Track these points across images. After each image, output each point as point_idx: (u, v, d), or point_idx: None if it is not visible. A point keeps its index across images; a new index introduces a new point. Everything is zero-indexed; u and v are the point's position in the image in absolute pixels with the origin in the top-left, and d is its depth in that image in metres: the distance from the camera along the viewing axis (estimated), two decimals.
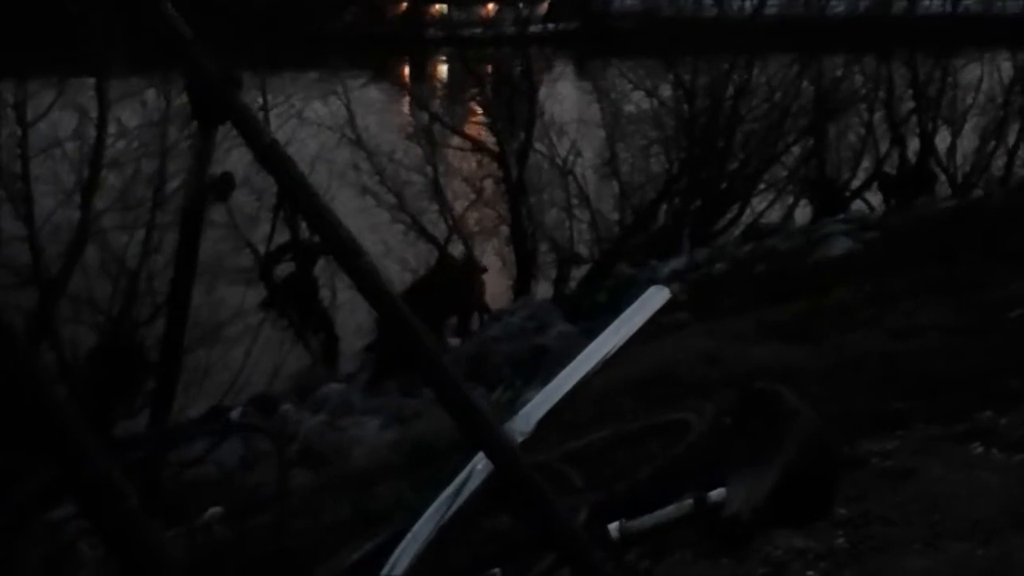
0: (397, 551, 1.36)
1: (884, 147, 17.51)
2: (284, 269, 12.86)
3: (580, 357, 1.59)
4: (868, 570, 2.70)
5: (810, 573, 2.71)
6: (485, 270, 13.98)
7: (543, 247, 15.02)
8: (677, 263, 12.72)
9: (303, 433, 6.54)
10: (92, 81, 11.09)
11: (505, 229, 14.98)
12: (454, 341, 11.18)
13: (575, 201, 15.41)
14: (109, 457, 0.74)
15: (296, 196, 1.21)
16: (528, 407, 1.50)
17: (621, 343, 1.62)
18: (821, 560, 2.76)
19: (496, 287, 14.48)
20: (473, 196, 15.32)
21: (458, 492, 1.40)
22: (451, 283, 13.08)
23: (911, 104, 17.77)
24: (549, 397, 1.54)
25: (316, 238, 1.15)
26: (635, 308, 1.69)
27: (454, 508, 1.39)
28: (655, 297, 1.73)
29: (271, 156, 1.20)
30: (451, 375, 1.14)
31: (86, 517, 0.74)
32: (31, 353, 0.75)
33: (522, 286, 14.44)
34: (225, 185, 1.36)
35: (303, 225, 12.44)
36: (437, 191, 14.65)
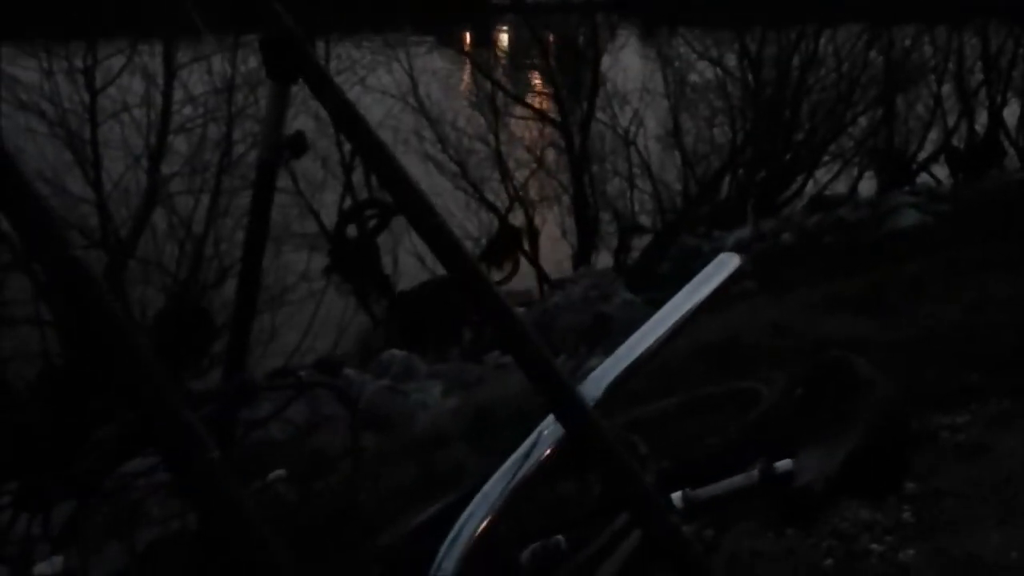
0: (465, 513, 1.35)
1: (953, 120, 17.18)
2: (352, 231, 12.92)
3: (650, 323, 1.57)
4: (937, 546, 2.66)
5: (876, 547, 2.68)
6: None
7: (605, 217, 14.97)
8: (741, 233, 12.61)
9: (366, 397, 6.57)
10: (160, 47, 11.20)
11: (566, 198, 14.94)
12: (518, 309, 11.17)
13: (637, 171, 15.31)
14: (191, 408, 0.73)
15: (369, 155, 1.20)
16: (597, 372, 1.49)
17: (691, 309, 1.60)
18: (888, 534, 2.72)
19: (557, 256, 14.47)
20: (535, 165, 15.30)
21: (527, 455, 1.39)
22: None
23: (981, 76, 17.39)
24: (618, 363, 1.52)
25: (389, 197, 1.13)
26: (705, 274, 1.66)
27: (524, 471, 1.38)
28: (726, 264, 1.70)
29: (345, 115, 1.19)
30: (527, 334, 1.12)
31: (167, 468, 0.74)
32: (114, 304, 0.75)
33: (583, 256, 14.41)
34: (299, 143, 1.36)
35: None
36: (499, 159, 14.64)
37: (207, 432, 0.72)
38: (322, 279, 12.04)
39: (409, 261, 12.63)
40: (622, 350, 1.53)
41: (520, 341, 1.11)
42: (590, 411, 1.13)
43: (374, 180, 11.25)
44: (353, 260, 12.54)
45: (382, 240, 12.77)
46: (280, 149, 1.34)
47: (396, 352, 8.86)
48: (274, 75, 1.29)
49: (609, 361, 1.50)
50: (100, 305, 0.74)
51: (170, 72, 11.16)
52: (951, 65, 17.03)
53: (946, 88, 17.13)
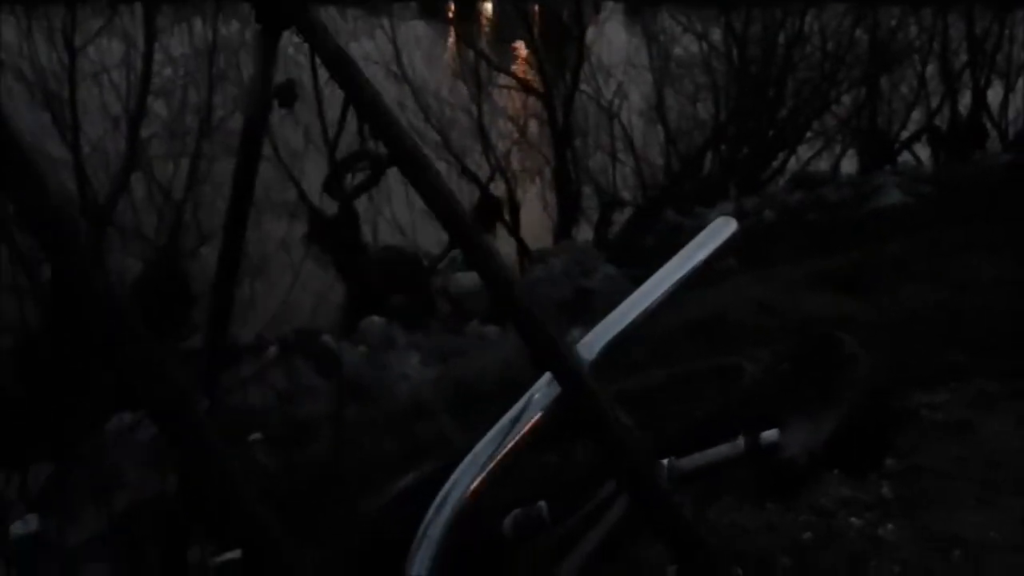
0: (453, 477, 1.33)
1: (936, 101, 17.21)
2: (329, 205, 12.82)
3: (645, 287, 1.55)
4: (916, 523, 2.66)
5: (856, 521, 2.68)
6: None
7: (586, 191, 14.93)
8: (723, 210, 12.60)
9: (344, 366, 6.53)
10: (140, 8, 11.07)
11: (548, 171, 14.89)
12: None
13: (620, 145, 15.27)
14: (178, 367, 0.71)
15: (363, 105, 1.17)
16: (590, 336, 1.46)
17: (687, 274, 1.57)
18: (868, 510, 2.72)
19: (537, 229, 14.44)
20: (517, 136, 15.23)
21: (517, 419, 1.37)
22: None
23: (965, 58, 17.42)
24: (612, 327, 1.49)
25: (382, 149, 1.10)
26: (702, 239, 1.64)
27: (514, 436, 1.35)
28: (722, 228, 1.68)
29: (338, 63, 1.16)
30: (521, 293, 1.10)
31: (156, 424, 0.71)
32: (97, 262, 0.72)
33: (564, 229, 14.38)
34: (289, 92, 1.32)
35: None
36: (481, 131, 14.57)
37: (194, 390, 0.70)
38: (301, 248, 11.98)
39: (387, 230, 12.60)
40: (616, 314, 1.51)
41: (514, 301, 1.09)
42: (585, 372, 1.10)
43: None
44: (332, 229, 12.46)
45: (362, 209, 12.69)
46: (268, 101, 1.31)
47: (375, 319, 8.80)
48: (264, 22, 1.25)
49: (602, 325, 1.48)
50: (84, 260, 0.71)
51: (150, 33, 11.02)
52: (936, 46, 17.04)
53: (930, 69, 17.15)
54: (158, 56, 11.16)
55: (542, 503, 1.66)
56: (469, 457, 1.35)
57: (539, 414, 1.35)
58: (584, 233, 14.33)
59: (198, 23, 11.31)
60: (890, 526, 2.60)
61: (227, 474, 0.67)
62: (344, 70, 1.15)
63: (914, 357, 3.89)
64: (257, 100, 1.33)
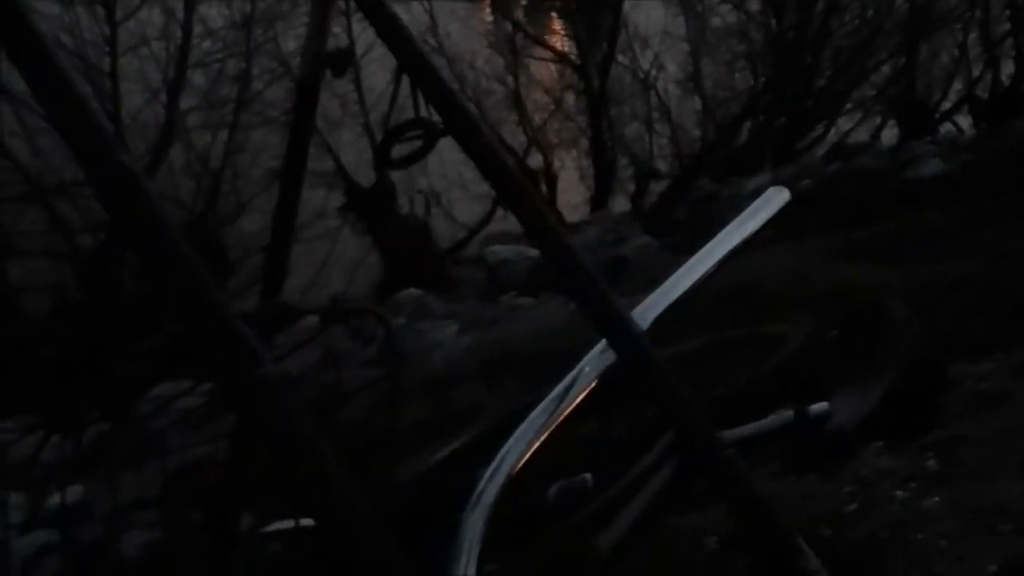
0: (508, 443, 1.34)
1: (978, 69, 16.94)
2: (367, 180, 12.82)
3: (698, 256, 1.54)
4: (960, 494, 2.65)
5: (899, 493, 2.66)
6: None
7: (622, 161, 14.88)
8: (761, 180, 12.50)
9: (382, 333, 6.56)
10: None
11: (584, 142, 14.84)
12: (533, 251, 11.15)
13: (656, 115, 15.20)
14: (245, 320, 0.71)
15: (416, 72, 1.17)
16: (643, 306, 1.46)
17: (740, 243, 1.57)
18: (910, 481, 2.71)
19: (574, 200, 14.42)
20: (553, 107, 15.18)
21: (570, 388, 1.37)
22: None
23: (1008, 26, 17.12)
24: (666, 296, 1.49)
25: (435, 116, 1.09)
26: (754, 208, 1.63)
27: (566, 404, 1.36)
28: (775, 198, 1.67)
29: (392, 29, 1.16)
30: (578, 259, 1.10)
31: (219, 380, 0.71)
32: (160, 208, 0.73)
33: (600, 199, 14.35)
34: (342, 59, 1.32)
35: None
36: (517, 101, 14.53)
37: (262, 344, 0.70)
38: (338, 218, 12.01)
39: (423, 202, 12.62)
40: (669, 283, 1.50)
41: (571, 266, 1.09)
42: (643, 338, 1.11)
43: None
44: (369, 200, 12.48)
45: (398, 179, 12.71)
46: (321, 67, 1.32)
47: (412, 291, 8.85)
48: None
49: (655, 294, 1.48)
50: (151, 211, 0.72)
51: (189, 5, 11.08)
52: (977, 13, 16.74)
53: (972, 37, 16.86)
54: (197, 28, 11.22)
55: (587, 474, 1.66)
56: (523, 425, 1.35)
57: (592, 383, 1.35)
58: (620, 204, 14.29)
59: None
60: (935, 498, 2.59)
61: (301, 432, 0.67)
62: (398, 39, 1.15)
63: (952, 327, 3.85)
64: (310, 66, 1.33)
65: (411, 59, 1.15)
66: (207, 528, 1.73)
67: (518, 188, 1.10)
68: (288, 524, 1.65)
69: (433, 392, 4.64)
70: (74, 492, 3.24)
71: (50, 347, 8.61)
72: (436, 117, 1.20)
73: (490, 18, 16.15)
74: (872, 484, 2.69)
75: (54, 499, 3.39)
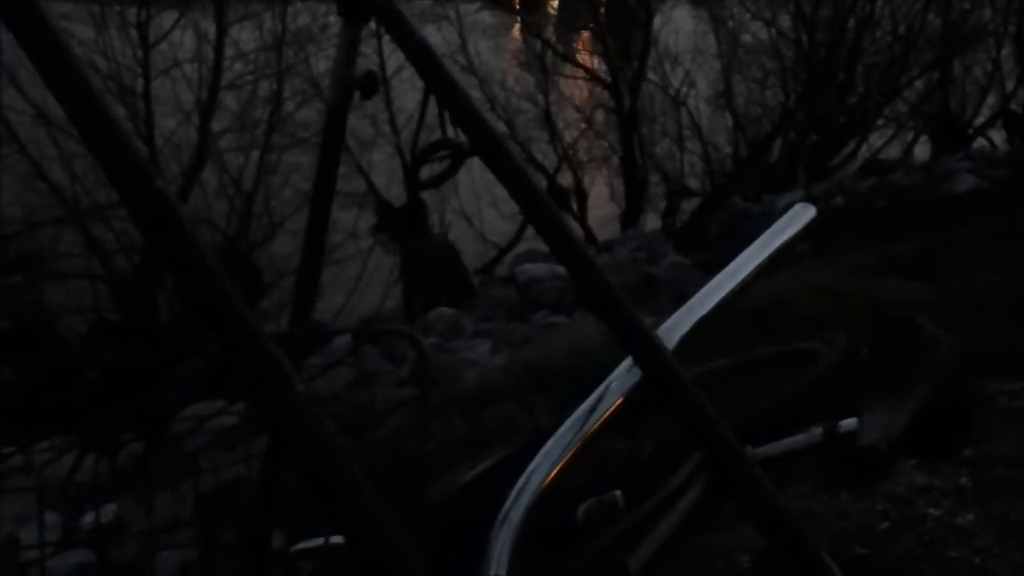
0: (534, 462, 1.34)
1: (1011, 84, 16.83)
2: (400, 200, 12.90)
3: (723, 274, 1.54)
4: (994, 511, 2.63)
5: (933, 511, 2.65)
6: None
7: (653, 179, 14.87)
8: (792, 197, 12.45)
9: (414, 353, 6.58)
10: (211, 3, 11.25)
11: (615, 160, 14.85)
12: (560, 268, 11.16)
13: (687, 132, 15.18)
14: (276, 341, 0.72)
15: (446, 96, 1.18)
16: (669, 323, 1.46)
17: (765, 261, 1.56)
18: (945, 498, 2.70)
19: (605, 218, 14.41)
20: (584, 125, 15.20)
21: (596, 406, 1.37)
22: None
23: None
24: (691, 314, 1.49)
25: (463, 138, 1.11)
26: (780, 225, 1.62)
27: (592, 422, 1.36)
28: (801, 215, 1.67)
29: (420, 54, 1.17)
30: (603, 277, 1.11)
31: (251, 402, 0.73)
32: (193, 233, 0.74)
33: (631, 217, 14.33)
34: (369, 83, 1.34)
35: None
36: (548, 119, 14.57)
37: (293, 366, 0.71)
38: (369, 238, 12.08)
39: (457, 222, 12.65)
40: (695, 301, 1.50)
41: (596, 285, 1.10)
42: (669, 356, 1.11)
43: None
44: (400, 219, 12.54)
45: (429, 198, 12.77)
46: (350, 90, 1.33)
47: (444, 310, 8.88)
48: (346, 13, 1.27)
49: (681, 312, 1.48)
50: (185, 236, 0.74)
51: (221, 28, 11.21)
52: (1011, 28, 16.65)
53: (1005, 51, 16.76)
54: (229, 50, 11.35)
55: (618, 492, 1.66)
56: (550, 442, 1.35)
57: (619, 400, 1.35)
58: (651, 222, 14.27)
59: (268, 17, 11.46)
60: (969, 515, 2.58)
61: (333, 453, 0.68)
62: (426, 61, 1.17)
63: (986, 344, 3.82)
64: (339, 90, 1.35)
65: (440, 83, 1.17)
66: (241, 547, 1.74)
67: (545, 208, 1.12)
68: (318, 542, 1.66)
69: (465, 410, 4.65)
70: (109, 512, 3.29)
71: (86, 369, 8.69)
72: (463, 138, 1.22)
73: (520, 37, 16.22)
74: (906, 502, 2.67)
75: (89, 519, 3.45)
